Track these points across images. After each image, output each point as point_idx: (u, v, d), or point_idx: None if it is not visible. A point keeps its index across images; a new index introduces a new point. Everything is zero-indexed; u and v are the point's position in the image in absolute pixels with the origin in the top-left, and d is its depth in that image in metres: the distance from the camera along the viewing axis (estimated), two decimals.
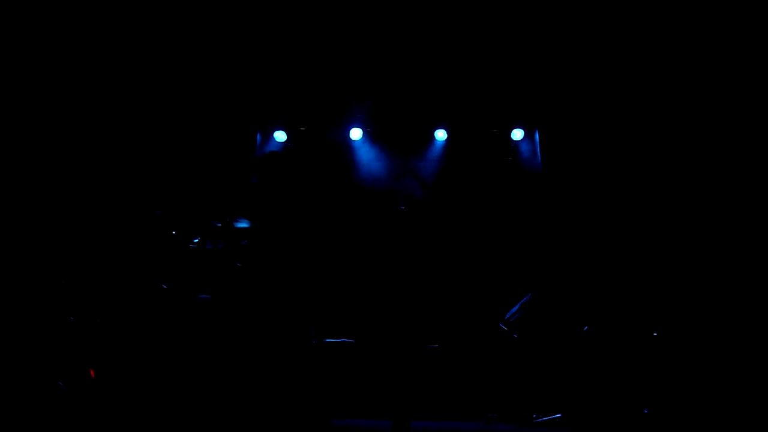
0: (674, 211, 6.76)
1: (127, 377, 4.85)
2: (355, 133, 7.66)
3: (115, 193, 6.76)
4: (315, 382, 5.11)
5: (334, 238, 7.44)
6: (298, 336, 5.19)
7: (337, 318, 6.82)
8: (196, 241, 5.83)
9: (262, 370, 5.13)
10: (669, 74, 6.71)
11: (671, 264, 6.56)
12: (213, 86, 7.18)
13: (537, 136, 7.58)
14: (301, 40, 6.90)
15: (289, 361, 5.17)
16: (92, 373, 4.75)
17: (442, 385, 6.19)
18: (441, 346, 6.39)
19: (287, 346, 5.17)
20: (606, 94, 7.09)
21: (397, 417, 5.09)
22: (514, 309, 6.33)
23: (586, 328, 6.20)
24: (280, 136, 7.66)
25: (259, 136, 7.68)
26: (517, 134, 7.57)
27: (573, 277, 6.86)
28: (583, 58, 6.89)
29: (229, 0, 6.60)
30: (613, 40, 6.67)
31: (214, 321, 5.21)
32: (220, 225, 6.03)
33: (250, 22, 6.76)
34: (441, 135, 7.62)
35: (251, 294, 5.43)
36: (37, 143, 6.44)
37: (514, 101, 7.40)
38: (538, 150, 7.55)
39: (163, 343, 5.07)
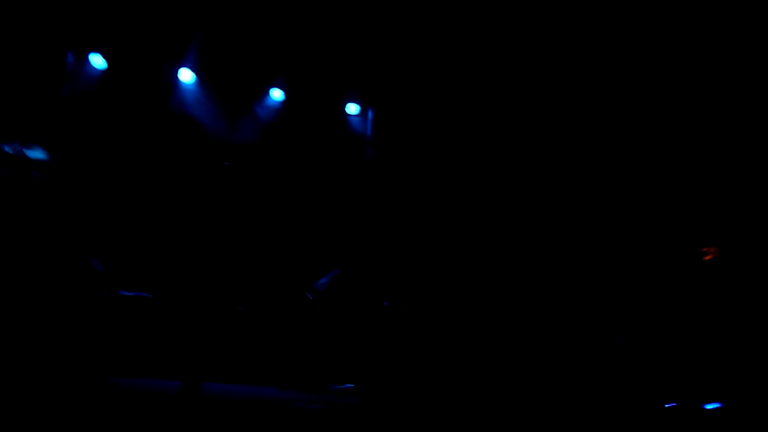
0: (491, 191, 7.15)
1: None
2: (185, 74, 7.12)
3: None
4: (94, 336, 4.72)
5: (146, 183, 6.89)
6: (80, 284, 4.74)
7: (139, 271, 6.35)
8: None
9: (35, 318, 4.61)
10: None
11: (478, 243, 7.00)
12: None
13: (370, 114, 7.69)
14: None
15: (66, 310, 4.71)
16: None
17: (242, 348, 6.10)
18: (246, 309, 6.29)
19: (67, 294, 4.70)
20: (441, 83, 7.30)
21: (188, 378, 4.91)
22: (323, 280, 6.43)
23: (386, 303, 6.53)
24: (97, 60, 6.85)
25: (71, 56, 6.79)
26: (352, 108, 7.60)
27: (382, 256, 7.14)
28: (423, 45, 7.00)
29: None
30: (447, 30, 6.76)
31: None
32: (9, 150, 5.28)
33: None
34: (277, 95, 7.38)
35: (36, 229, 4.84)
36: None
37: (354, 76, 7.40)
38: (369, 128, 7.67)
39: None
